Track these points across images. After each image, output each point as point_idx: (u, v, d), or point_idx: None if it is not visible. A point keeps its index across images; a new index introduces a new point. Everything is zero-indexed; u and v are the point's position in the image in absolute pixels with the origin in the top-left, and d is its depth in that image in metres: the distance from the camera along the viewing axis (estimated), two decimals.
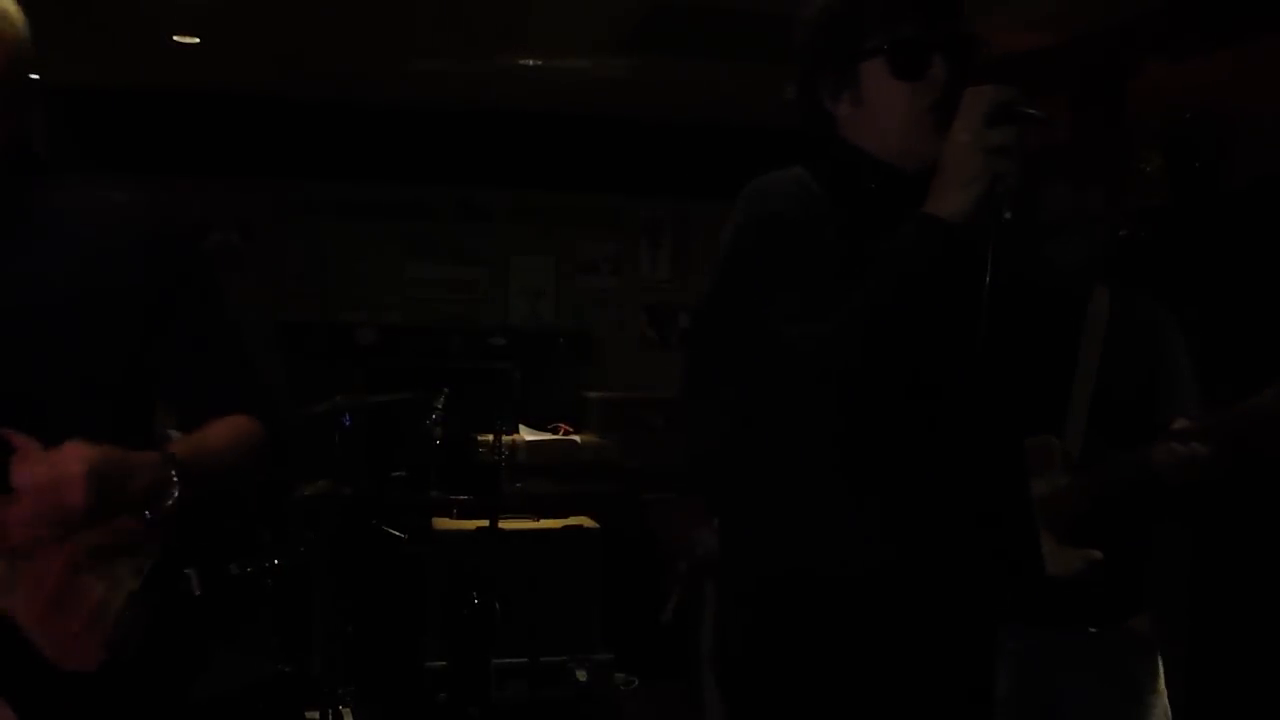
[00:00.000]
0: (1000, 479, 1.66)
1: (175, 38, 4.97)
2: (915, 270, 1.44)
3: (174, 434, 1.74)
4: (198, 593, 1.70)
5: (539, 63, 5.36)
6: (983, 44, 1.61)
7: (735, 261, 1.59)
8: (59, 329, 1.63)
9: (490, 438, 4.94)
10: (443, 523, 4.69)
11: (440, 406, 4.50)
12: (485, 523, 4.26)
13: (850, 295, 1.45)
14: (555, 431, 5.82)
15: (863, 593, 1.57)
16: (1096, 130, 4.50)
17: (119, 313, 1.66)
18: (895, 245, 1.46)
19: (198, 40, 5.02)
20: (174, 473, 1.56)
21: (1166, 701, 2.31)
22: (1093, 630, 2.27)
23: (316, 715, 3.76)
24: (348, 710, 3.94)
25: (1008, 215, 1.45)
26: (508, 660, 4.31)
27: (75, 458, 1.46)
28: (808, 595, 1.59)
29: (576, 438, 5.78)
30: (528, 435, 5.62)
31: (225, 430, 1.70)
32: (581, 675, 4.56)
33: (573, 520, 4.82)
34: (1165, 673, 2.32)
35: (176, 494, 1.56)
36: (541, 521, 4.77)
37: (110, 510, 1.51)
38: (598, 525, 4.79)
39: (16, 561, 1.52)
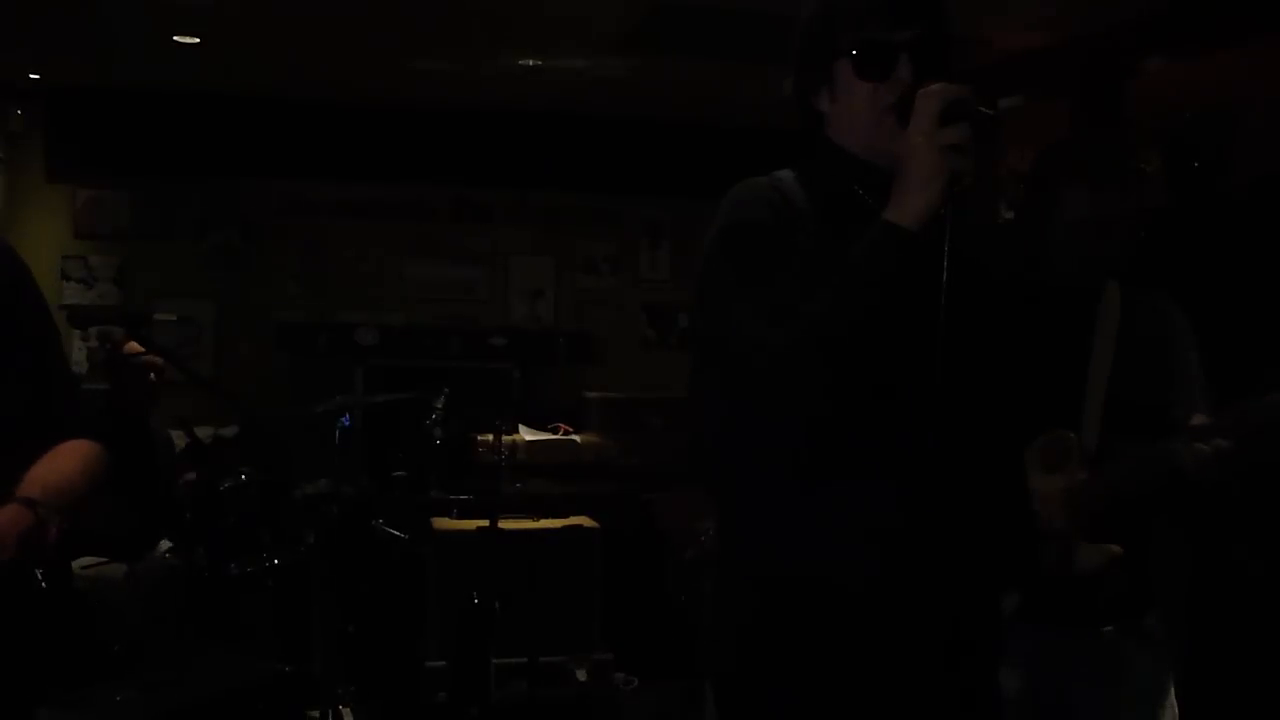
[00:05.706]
0: (991, 478, 1.66)
1: (175, 38, 4.97)
2: (873, 277, 1.46)
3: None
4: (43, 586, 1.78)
5: (539, 63, 5.37)
6: (958, 45, 1.62)
7: (711, 265, 1.62)
8: None
9: (490, 438, 4.94)
10: (442, 523, 4.70)
11: (440, 406, 4.50)
12: (485, 523, 4.26)
13: (810, 301, 1.48)
14: (555, 431, 5.82)
15: (853, 595, 1.57)
16: (1096, 130, 4.50)
17: None
18: (855, 253, 1.48)
19: (198, 40, 5.02)
20: (42, 516, 1.70)
21: (1174, 700, 2.29)
22: (1106, 629, 2.26)
23: (316, 715, 3.75)
24: (348, 710, 3.94)
25: (1009, 215, 1.45)
26: (508, 660, 4.30)
27: None
28: (798, 597, 1.59)
29: (576, 438, 5.78)
30: (527, 435, 5.61)
31: (73, 460, 1.83)
32: (581, 675, 4.56)
33: (572, 520, 4.82)
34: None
35: (54, 531, 1.72)
36: (541, 521, 4.77)
37: None
38: (597, 525, 4.79)
39: None
